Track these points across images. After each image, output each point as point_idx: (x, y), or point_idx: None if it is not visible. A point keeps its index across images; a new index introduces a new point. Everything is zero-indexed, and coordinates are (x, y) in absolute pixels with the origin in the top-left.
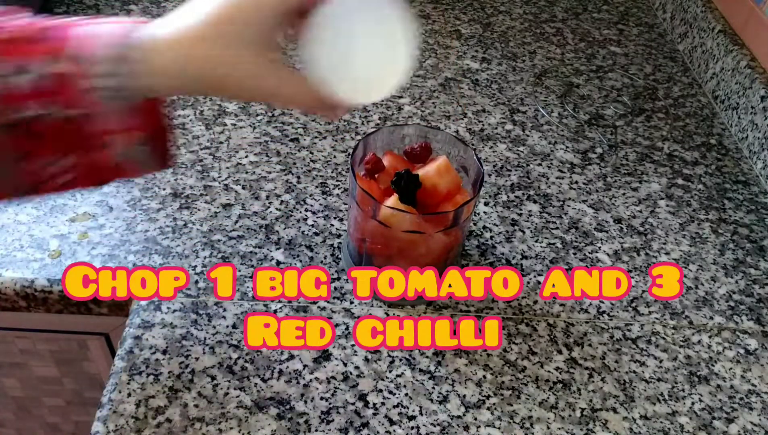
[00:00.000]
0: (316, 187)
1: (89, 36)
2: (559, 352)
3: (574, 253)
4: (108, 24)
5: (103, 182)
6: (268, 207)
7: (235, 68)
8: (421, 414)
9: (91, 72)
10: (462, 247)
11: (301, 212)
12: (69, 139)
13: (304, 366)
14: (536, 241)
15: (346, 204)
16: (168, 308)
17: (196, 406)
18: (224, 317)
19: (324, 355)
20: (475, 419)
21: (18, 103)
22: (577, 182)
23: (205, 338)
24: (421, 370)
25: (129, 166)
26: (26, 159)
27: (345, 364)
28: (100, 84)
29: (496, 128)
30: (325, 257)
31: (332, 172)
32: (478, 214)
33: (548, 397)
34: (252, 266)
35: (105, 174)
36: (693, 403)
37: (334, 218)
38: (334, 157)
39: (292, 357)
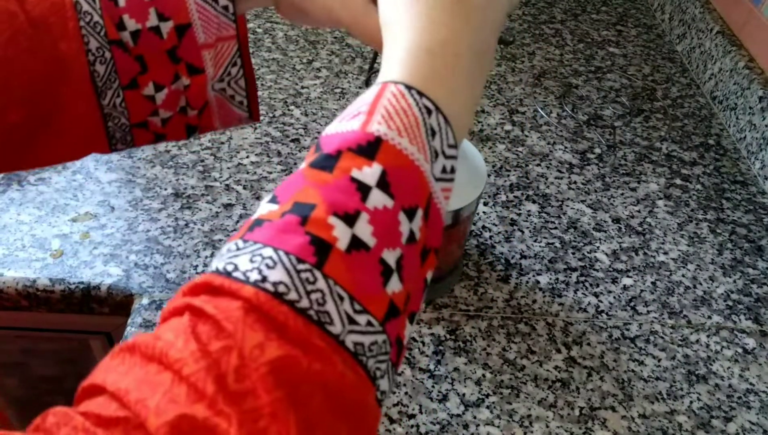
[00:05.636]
0: None
1: None
2: (558, 351)
3: (573, 253)
4: None
5: (191, 131)
6: None
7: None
8: (420, 412)
9: None
10: (462, 248)
11: None
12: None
13: None
14: (535, 241)
15: None
16: None
17: None
18: None
19: None
20: (475, 418)
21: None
22: (575, 182)
23: None
24: (420, 369)
25: (220, 107)
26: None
27: None
28: None
29: (495, 129)
30: None
31: None
32: (478, 214)
33: (547, 396)
34: None
35: (193, 117)
36: (691, 402)
37: None
38: None
39: None
